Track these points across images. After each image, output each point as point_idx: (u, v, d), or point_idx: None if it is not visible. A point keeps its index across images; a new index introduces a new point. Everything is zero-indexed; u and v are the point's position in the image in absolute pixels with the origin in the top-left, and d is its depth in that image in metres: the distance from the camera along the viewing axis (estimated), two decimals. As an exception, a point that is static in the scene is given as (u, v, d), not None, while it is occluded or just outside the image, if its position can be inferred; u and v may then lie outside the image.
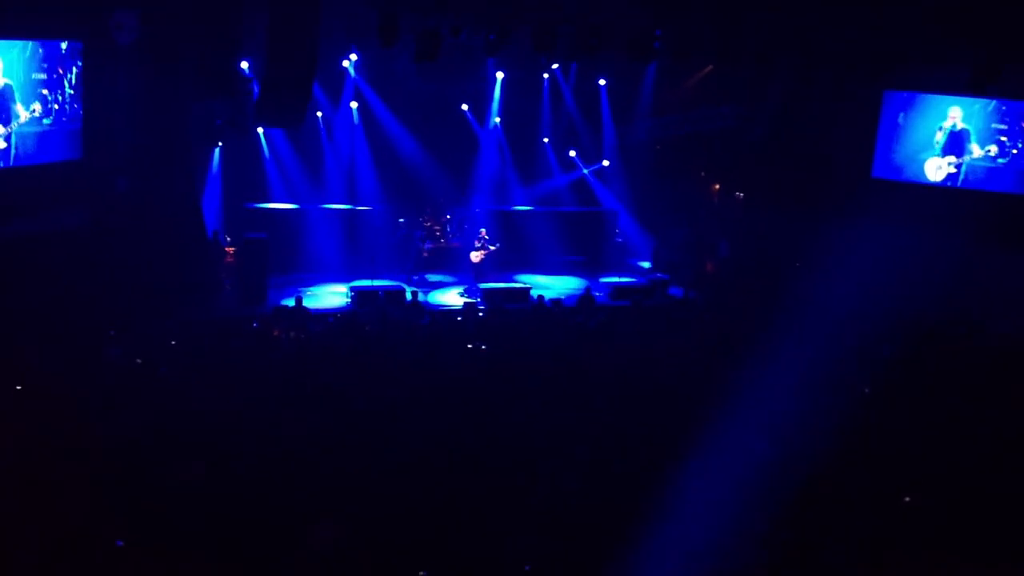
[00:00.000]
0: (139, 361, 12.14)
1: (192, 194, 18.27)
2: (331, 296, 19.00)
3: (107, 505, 7.97)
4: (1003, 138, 19.50)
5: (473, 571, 7.61)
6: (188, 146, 18.10)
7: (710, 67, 22.29)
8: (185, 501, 7.99)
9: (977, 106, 19.73)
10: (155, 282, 15.98)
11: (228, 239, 19.58)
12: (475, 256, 20.45)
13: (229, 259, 19.06)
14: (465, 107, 23.06)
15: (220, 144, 19.74)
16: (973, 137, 19.83)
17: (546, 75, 23.17)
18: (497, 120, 23.17)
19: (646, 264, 24.15)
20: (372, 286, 18.65)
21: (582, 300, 18.44)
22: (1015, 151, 19.37)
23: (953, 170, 20.14)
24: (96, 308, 14.35)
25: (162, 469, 8.53)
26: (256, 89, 17.56)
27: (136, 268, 16.02)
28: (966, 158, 19.94)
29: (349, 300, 18.44)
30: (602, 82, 23.78)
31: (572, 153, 24.78)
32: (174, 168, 17.52)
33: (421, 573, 7.33)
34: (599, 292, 20.32)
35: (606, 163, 24.82)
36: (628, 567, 7.50)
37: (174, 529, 7.61)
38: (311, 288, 19.31)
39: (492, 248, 20.69)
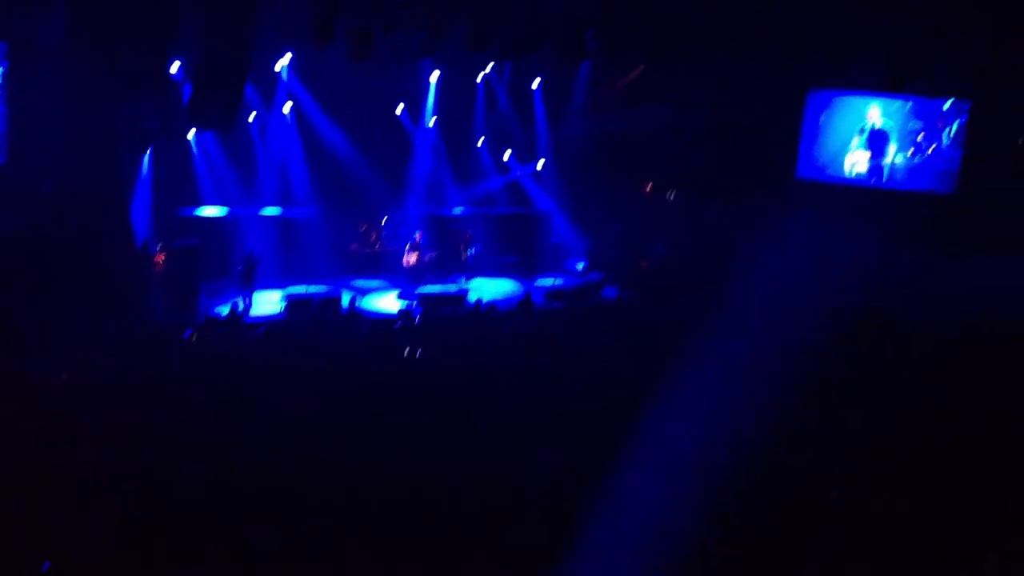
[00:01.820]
0: (64, 375, 11.87)
1: (120, 199, 17.84)
2: (265, 304, 18.72)
3: (32, 521, 7.81)
4: (920, 137, 20.02)
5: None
6: (117, 150, 17.67)
7: (641, 67, 22.49)
8: (116, 513, 7.88)
9: (895, 105, 20.26)
10: (81, 291, 15.59)
11: (158, 246, 19.17)
12: (409, 259, 20.35)
13: (159, 267, 18.64)
14: (400, 108, 22.92)
15: (150, 147, 19.35)
16: (892, 136, 20.33)
17: (480, 75, 23.13)
18: (432, 121, 23.09)
19: (580, 264, 24.27)
20: (307, 293, 18.46)
21: (521, 304, 18.47)
22: (932, 150, 19.89)
23: (873, 169, 20.61)
24: (19, 317, 13.98)
25: (92, 480, 8.40)
26: (187, 91, 17.25)
27: (62, 276, 15.61)
28: (886, 157, 20.42)
29: (283, 308, 18.21)
30: (536, 83, 23.84)
31: (507, 154, 24.81)
32: (102, 172, 17.05)
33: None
34: (535, 294, 20.37)
35: (541, 163, 24.90)
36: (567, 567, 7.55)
37: (104, 542, 7.48)
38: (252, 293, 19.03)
39: (427, 255, 20.64)
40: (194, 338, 14.36)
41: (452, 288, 20.27)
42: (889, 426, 11.26)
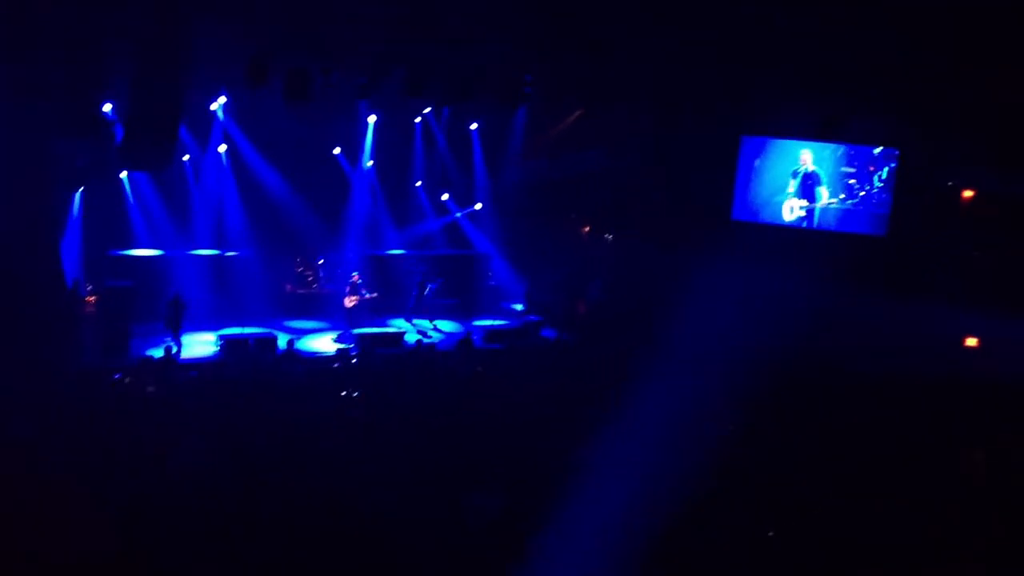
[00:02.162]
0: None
1: (51, 240, 17.48)
2: (199, 345, 18.43)
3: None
4: (852, 181, 20.51)
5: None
6: (48, 189, 17.32)
7: (579, 112, 22.77)
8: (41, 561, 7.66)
9: (827, 151, 20.73)
10: (9, 332, 15.19)
11: (89, 287, 18.80)
12: (348, 301, 20.23)
13: (90, 308, 18.27)
14: (337, 150, 22.88)
15: (82, 188, 19.05)
16: (824, 180, 20.79)
17: (418, 119, 23.22)
18: (370, 163, 23.08)
19: (519, 306, 24.33)
20: (242, 334, 18.22)
21: (460, 344, 18.42)
22: (863, 194, 20.38)
23: (805, 212, 21.04)
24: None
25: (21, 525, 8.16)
26: (120, 131, 17.04)
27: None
28: (818, 201, 20.86)
29: (218, 348, 17.94)
30: (474, 126, 24.00)
31: (445, 196, 24.89)
32: (32, 212, 16.71)
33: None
34: (474, 334, 20.35)
35: (479, 206, 25.01)
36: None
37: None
38: (182, 336, 18.68)
39: (368, 296, 20.51)
40: (125, 380, 14.06)
41: (388, 330, 20.16)
42: (819, 460, 11.41)
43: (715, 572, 8.44)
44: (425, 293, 21.67)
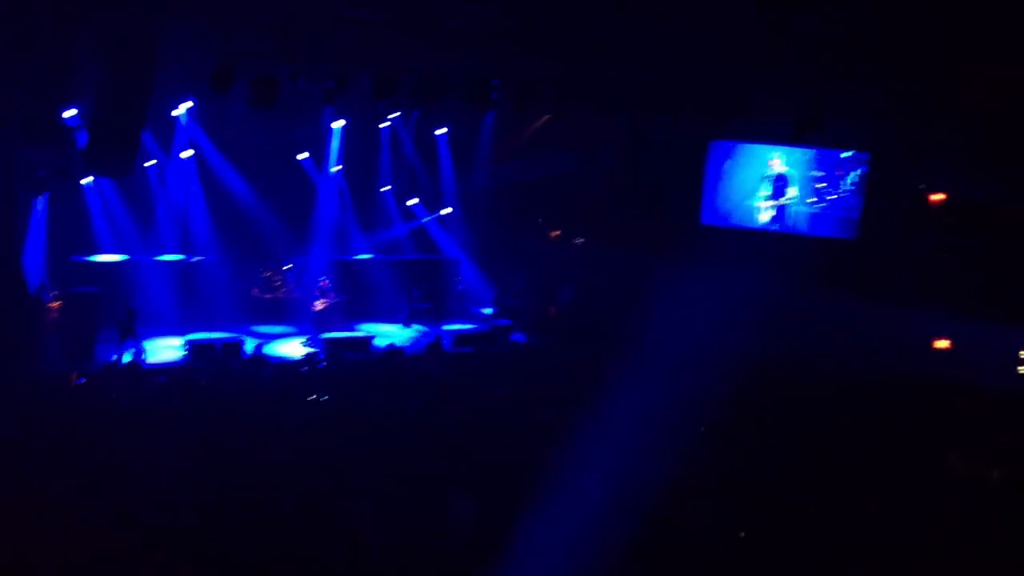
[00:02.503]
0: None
1: (13, 246, 17.27)
2: (165, 350, 18.26)
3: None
4: (821, 185, 20.69)
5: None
6: (10, 195, 17.13)
7: (547, 116, 22.80)
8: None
9: (797, 154, 20.89)
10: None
11: (53, 293, 18.57)
12: (317, 305, 20.12)
13: (53, 315, 18.05)
14: (304, 155, 22.76)
15: (45, 194, 18.83)
16: (794, 184, 20.95)
17: (386, 123, 23.15)
18: (337, 168, 22.99)
19: (488, 311, 24.33)
20: (209, 339, 18.07)
21: (431, 348, 18.38)
22: (832, 197, 20.56)
23: (776, 215, 21.19)
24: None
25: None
26: (83, 137, 16.86)
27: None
28: (788, 204, 21.02)
29: (185, 354, 17.79)
30: (442, 130, 23.96)
31: (413, 201, 24.83)
32: (-6, 218, 16.57)
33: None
34: (444, 338, 20.31)
35: (447, 211, 24.98)
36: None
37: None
38: (143, 342, 18.50)
39: (334, 300, 20.41)
40: (74, 379, 13.89)
41: (357, 334, 20.07)
42: (790, 461, 11.49)
43: (689, 572, 8.45)
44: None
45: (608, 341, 17.88)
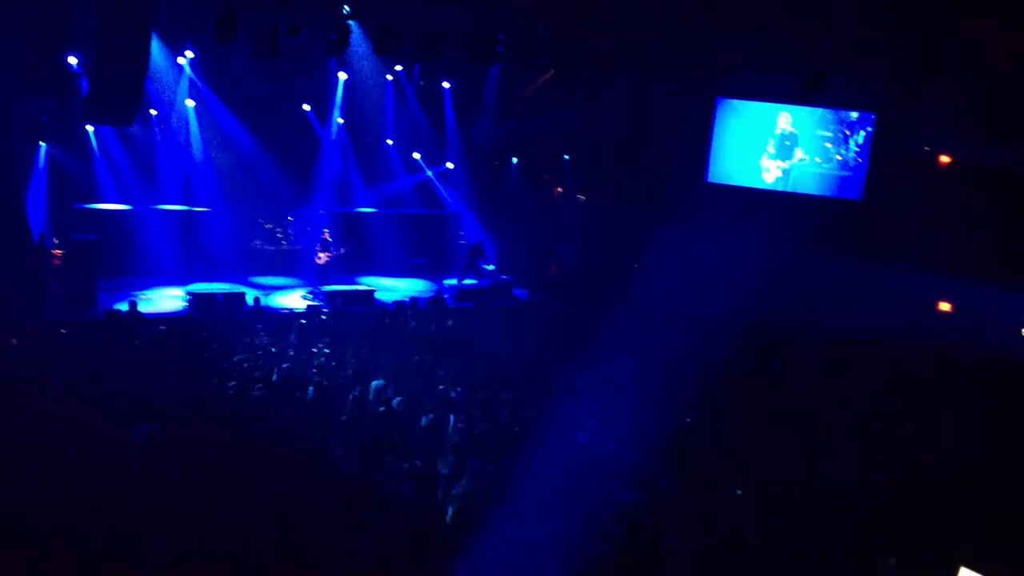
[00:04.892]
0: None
1: (16, 194, 17.28)
2: (167, 300, 18.32)
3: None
4: (828, 144, 20.58)
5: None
6: (12, 143, 17.11)
7: (552, 71, 22.64)
8: (16, 513, 7.63)
9: (804, 113, 20.76)
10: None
11: (55, 241, 18.62)
12: (321, 258, 20.15)
13: (56, 262, 18.11)
14: (307, 107, 22.66)
15: (46, 142, 18.80)
16: (800, 143, 20.84)
17: (390, 76, 23.02)
18: (340, 121, 22.89)
19: (490, 266, 24.33)
20: (211, 290, 18.12)
21: (432, 302, 18.42)
22: (839, 157, 20.47)
23: (782, 175, 21.10)
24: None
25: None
26: (85, 85, 16.80)
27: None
28: (794, 163, 20.93)
29: (186, 304, 17.85)
30: (446, 85, 23.82)
31: (416, 155, 24.75)
32: (-3, 166, 16.56)
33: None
34: (446, 293, 20.37)
35: (450, 165, 24.91)
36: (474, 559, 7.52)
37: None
38: (145, 292, 18.57)
39: (336, 253, 20.45)
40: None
41: (358, 287, 20.11)
42: (789, 426, 11.52)
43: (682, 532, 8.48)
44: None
45: (609, 298, 17.93)
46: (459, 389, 11.79)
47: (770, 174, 21.25)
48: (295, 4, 16.13)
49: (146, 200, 20.78)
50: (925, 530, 8.57)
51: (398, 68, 22.64)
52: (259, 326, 15.21)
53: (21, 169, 18.02)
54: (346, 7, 16.09)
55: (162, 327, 14.95)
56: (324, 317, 16.62)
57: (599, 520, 8.17)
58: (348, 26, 16.60)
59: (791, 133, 20.95)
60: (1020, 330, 17.63)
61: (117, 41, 14.03)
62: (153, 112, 20.68)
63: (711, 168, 21.94)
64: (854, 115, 20.35)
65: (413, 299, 18.04)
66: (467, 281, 21.44)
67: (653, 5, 16.43)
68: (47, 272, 17.77)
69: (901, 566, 7.81)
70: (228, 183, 21.56)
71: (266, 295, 18.97)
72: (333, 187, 23.24)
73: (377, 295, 19.27)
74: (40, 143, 18.78)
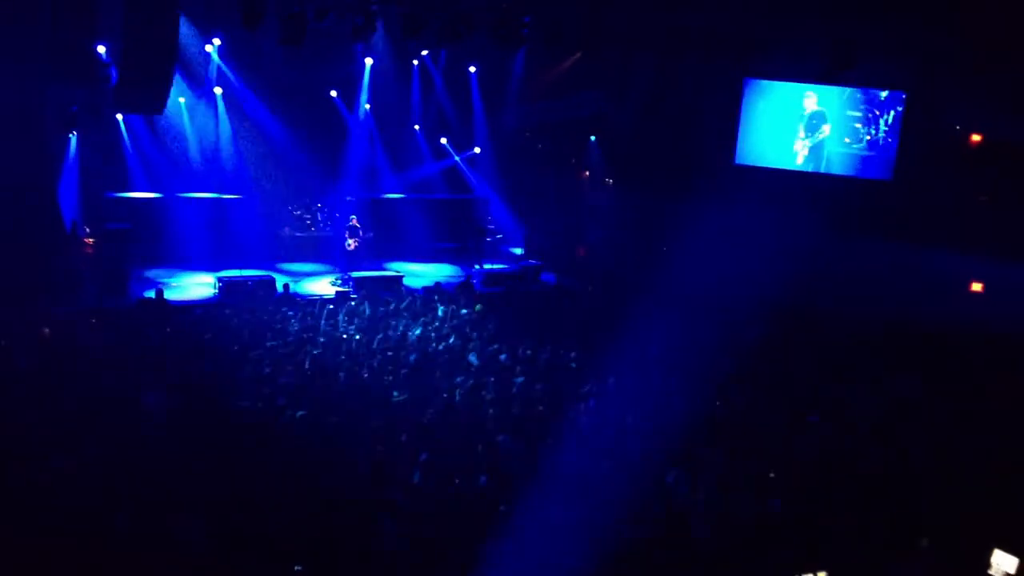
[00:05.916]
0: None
1: (48, 183, 17.44)
2: (197, 287, 18.43)
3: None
4: (857, 125, 20.37)
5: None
6: (43, 133, 17.24)
7: (578, 54, 22.53)
8: (48, 494, 7.75)
9: (833, 93, 20.55)
10: (11, 275, 15.20)
11: (87, 230, 18.80)
12: (351, 244, 20.19)
13: (88, 250, 18.27)
14: (334, 93, 22.71)
15: (77, 131, 18.96)
16: (829, 123, 20.64)
17: (416, 61, 23.00)
18: (367, 107, 22.92)
19: (518, 251, 24.34)
20: (241, 276, 18.22)
21: (461, 287, 18.42)
22: (868, 138, 20.26)
23: (809, 154, 20.93)
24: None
25: (23, 463, 8.25)
26: (114, 74, 16.90)
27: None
28: (824, 144, 20.74)
29: (216, 291, 17.94)
30: (472, 69, 23.78)
31: (443, 140, 24.74)
32: (29, 156, 16.65)
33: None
34: (474, 278, 20.35)
35: (477, 150, 24.88)
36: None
37: (38, 523, 7.34)
38: (175, 279, 18.71)
39: (363, 238, 20.50)
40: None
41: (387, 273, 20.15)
42: (821, 410, 11.44)
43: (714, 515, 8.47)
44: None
45: (637, 282, 17.88)
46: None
47: (800, 155, 21.08)
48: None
49: (176, 188, 20.92)
50: (959, 512, 8.51)
51: (424, 53, 22.62)
52: (289, 312, 15.26)
53: (53, 159, 18.18)
54: None
55: (197, 311, 15.13)
56: (353, 303, 16.60)
57: (630, 504, 8.21)
58: (374, 11, 16.60)
59: (819, 112, 20.76)
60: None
61: (145, 30, 14.14)
62: (182, 100, 20.79)
63: (739, 150, 21.78)
64: (883, 94, 20.11)
65: (436, 283, 18.06)
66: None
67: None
68: (79, 261, 17.92)
69: (935, 547, 7.77)
70: (257, 170, 21.64)
71: (296, 281, 19.05)
72: (361, 173, 23.27)
73: (405, 280, 19.29)
74: (71, 133, 18.91)
